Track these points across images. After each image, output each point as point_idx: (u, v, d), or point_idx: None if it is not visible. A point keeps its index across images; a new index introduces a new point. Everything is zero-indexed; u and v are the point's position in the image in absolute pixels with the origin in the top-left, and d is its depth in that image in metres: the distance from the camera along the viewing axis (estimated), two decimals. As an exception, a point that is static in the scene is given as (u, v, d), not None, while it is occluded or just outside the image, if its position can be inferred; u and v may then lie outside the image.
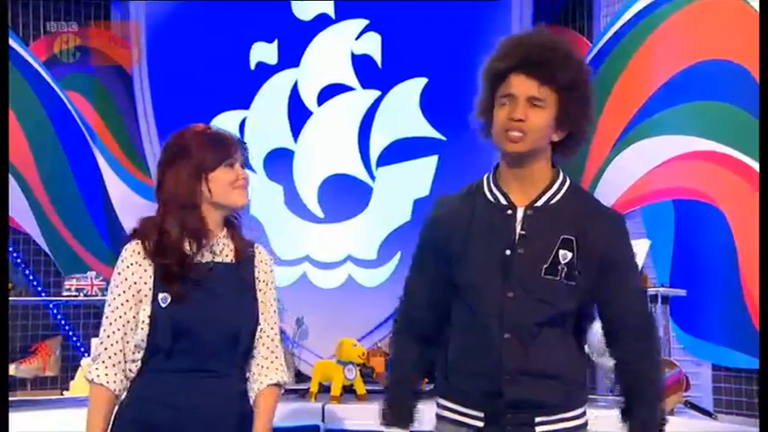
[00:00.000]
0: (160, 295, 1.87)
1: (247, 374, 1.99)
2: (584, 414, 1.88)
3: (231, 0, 4.19)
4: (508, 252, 1.80)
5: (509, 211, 1.83)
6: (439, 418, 1.90)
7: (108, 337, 1.90)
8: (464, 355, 1.84)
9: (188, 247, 1.91)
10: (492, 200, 1.86)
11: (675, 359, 3.17)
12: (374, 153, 4.08)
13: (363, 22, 4.12)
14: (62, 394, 3.53)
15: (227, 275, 1.94)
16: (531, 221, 1.82)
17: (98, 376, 1.88)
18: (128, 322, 1.89)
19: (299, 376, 3.82)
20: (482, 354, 1.80)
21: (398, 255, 3.93)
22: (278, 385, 1.99)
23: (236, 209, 1.99)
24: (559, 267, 1.78)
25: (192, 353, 1.87)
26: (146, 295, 1.89)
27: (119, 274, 1.92)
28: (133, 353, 1.89)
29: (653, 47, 3.71)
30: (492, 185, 1.87)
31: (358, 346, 3.40)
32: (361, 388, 3.43)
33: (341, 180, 4.10)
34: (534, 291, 1.79)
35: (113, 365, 1.88)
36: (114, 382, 1.88)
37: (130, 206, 4.44)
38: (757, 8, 3.38)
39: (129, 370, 1.90)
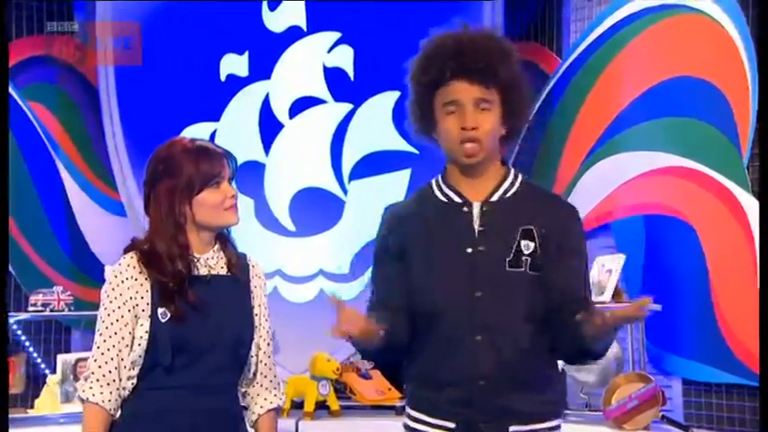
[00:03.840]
0: (159, 310, 1.82)
1: (242, 389, 1.96)
2: (559, 427, 1.83)
3: (203, 0, 4.15)
4: (469, 250, 1.76)
5: (465, 209, 1.80)
6: (407, 428, 1.85)
7: (102, 354, 1.83)
8: (433, 365, 1.78)
9: (180, 265, 1.86)
10: (445, 200, 1.83)
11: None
12: (346, 167, 4.05)
13: (335, 35, 4.10)
14: (27, 412, 3.43)
15: (225, 288, 1.90)
16: (488, 217, 1.79)
17: (93, 395, 1.82)
18: (123, 339, 1.83)
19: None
20: (453, 360, 1.75)
21: (371, 269, 3.90)
22: (277, 409, 1.98)
23: (226, 227, 1.94)
24: (523, 258, 1.75)
25: (191, 368, 1.82)
26: (143, 310, 1.83)
27: (113, 289, 1.85)
28: (129, 369, 1.83)
29: (623, 63, 3.76)
30: (443, 186, 1.84)
31: (332, 360, 3.36)
32: (334, 404, 3.39)
33: (313, 193, 4.07)
34: (501, 287, 1.75)
35: (108, 384, 1.82)
36: (110, 400, 1.82)
37: (94, 220, 4.39)
38: (726, 26, 3.45)
39: (124, 388, 1.84)
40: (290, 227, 4.09)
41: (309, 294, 4.02)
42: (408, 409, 1.86)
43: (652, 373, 3.25)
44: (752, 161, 3.35)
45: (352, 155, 4.06)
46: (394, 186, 3.96)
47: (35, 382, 3.78)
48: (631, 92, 3.71)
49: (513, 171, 1.86)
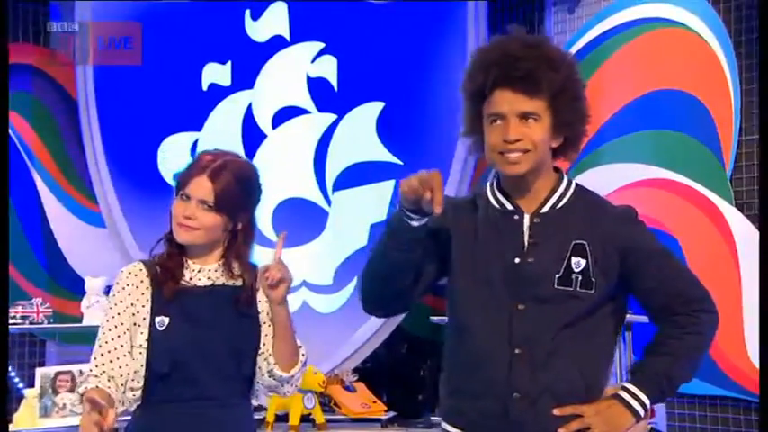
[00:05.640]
0: (157, 319, 1.81)
1: (257, 402, 1.95)
2: None
3: (186, 2, 4.12)
4: (517, 260, 1.70)
5: (516, 216, 1.74)
6: None
7: (95, 359, 1.82)
8: (466, 375, 1.72)
9: (173, 263, 1.86)
10: (497, 205, 1.76)
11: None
12: (330, 177, 4.02)
13: (319, 45, 4.07)
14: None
15: (226, 299, 1.87)
16: (538, 229, 1.72)
17: (89, 386, 1.76)
18: (122, 346, 1.81)
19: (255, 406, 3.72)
20: (488, 371, 1.68)
21: (354, 280, 3.88)
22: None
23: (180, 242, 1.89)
24: (573, 276, 1.68)
25: (192, 380, 1.80)
26: (144, 318, 1.82)
27: (113, 296, 1.86)
28: (132, 380, 1.81)
29: (605, 75, 3.78)
30: (496, 191, 1.78)
31: (318, 373, 3.33)
32: (320, 417, 3.37)
33: (296, 204, 4.03)
34: (547, 302, 1.68)
35: (107, 379, 1.78)
36: (109, 387, 1.77)
37: (70, 230, 4.34)
38: (708, 39, 3.48)
39: (128, 399, 1.82)
40: (273, 238, 4.05)
41: (292, 306, 3.95)
42: (443, 424, 1.79)
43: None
44: (735, 174, 3.38)
45: (335, 165, 4.03)
46: (378, 197, 3.93)
47: (9, 396, 3.72)
48: (614, 104, 3.73)
49: (565, 179, 1.78)
